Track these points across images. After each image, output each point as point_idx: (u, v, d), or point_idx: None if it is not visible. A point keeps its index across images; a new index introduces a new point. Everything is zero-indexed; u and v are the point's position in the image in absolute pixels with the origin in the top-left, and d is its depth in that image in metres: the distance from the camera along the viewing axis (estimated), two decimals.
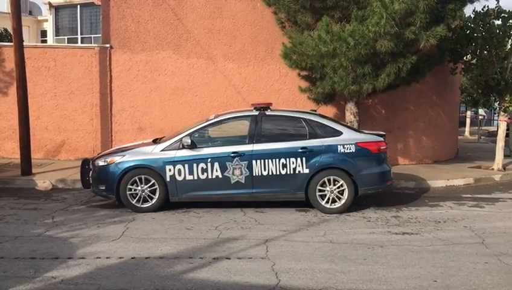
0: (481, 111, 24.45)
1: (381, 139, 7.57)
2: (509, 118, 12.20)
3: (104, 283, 4.39)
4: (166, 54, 11.25)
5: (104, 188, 7.33)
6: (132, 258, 5.09)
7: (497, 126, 16.35)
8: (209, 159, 7.20)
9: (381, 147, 7.45)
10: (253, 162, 7.18)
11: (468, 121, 23.24)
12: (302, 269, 4.76)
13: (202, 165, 7.19)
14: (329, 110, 10.79)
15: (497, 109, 12.19)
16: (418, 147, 11.91)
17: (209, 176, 7.20)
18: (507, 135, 14.11)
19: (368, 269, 4.78)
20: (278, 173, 7.20)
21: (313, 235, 6.00)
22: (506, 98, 10.81)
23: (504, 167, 11.07)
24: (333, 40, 8.56)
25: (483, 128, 23.60)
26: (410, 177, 9.89)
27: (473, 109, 24.51)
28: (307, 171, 7.20)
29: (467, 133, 22.57)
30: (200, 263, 4.95)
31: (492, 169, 10.98)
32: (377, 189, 7.51)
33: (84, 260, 5.00)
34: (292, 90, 11.10)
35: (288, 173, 7.21)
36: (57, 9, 18.49)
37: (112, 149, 8.74)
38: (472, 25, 10.75)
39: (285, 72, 10.94)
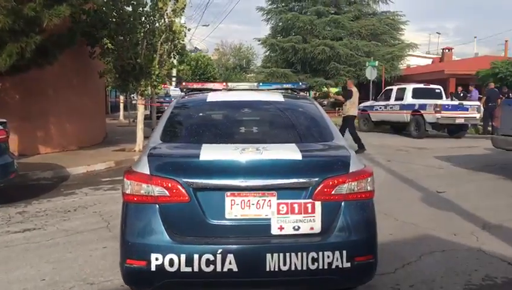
0: (135, 96, 25.63)
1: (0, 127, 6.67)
2: (151, 103, 13.06)
3: None
4: None
5: None
6: None
7: (150, 110, 17.39)
8: None
9: None
10: None
11: (121, 105, 24.08)
12: None
13: None
14: None
15: (136, 93, 12.77)
16: (61, 134, 11.37)
17: None
18: (150, 118, 15.21)
19: None
20: None
21: None
22: (142, 83, 11.42)
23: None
24: None
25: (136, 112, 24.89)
26: (48, 167, 9.25)
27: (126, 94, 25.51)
28: None
29: (121, 117, 23.36)
30: None
31: (134, 151, 11.49)
32: None
33: None
34: None
35: None
36: None
37: None
38: (105, 9, 10.80)
39: None
